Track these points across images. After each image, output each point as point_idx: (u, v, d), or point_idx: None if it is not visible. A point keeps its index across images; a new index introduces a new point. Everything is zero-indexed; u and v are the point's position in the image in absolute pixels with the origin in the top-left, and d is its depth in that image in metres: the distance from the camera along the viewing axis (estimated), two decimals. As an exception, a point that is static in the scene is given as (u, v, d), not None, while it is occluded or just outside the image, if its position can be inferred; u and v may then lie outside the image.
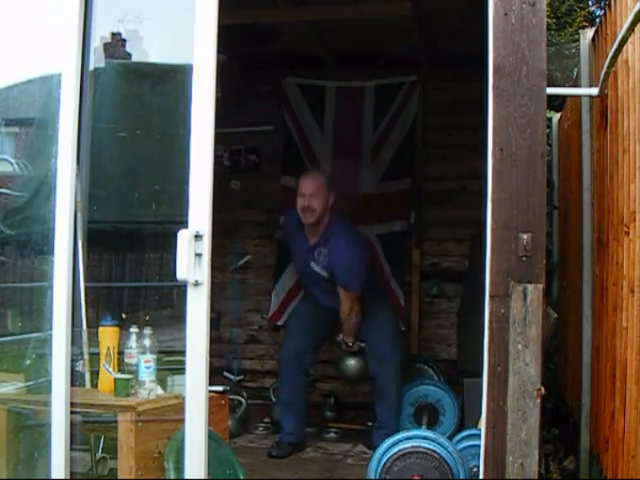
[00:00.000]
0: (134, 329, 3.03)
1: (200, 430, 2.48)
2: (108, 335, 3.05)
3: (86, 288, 3.05)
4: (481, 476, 2.47)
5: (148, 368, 2.97)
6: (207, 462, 2.50)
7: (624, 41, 2.57)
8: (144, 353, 2.98)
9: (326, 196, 4.12)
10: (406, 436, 3.33)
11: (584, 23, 7.78)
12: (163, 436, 2.83)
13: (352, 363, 4.51)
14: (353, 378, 4.64)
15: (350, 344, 4.33)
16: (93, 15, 2.83)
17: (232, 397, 4.51)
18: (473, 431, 3.41)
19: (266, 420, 4.80)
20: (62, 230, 2.72)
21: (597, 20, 4.50)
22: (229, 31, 3.06)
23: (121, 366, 3.03)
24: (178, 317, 2.56)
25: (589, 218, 3.74)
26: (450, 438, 3.52)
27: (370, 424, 4.39)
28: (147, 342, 2.99)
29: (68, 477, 2.69)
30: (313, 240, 4.21)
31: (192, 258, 2.44)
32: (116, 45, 3.99)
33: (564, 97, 4.97)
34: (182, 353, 2.51)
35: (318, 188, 4.11)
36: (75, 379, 2.88)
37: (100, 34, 3.28)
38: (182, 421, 2.50)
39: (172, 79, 3.14)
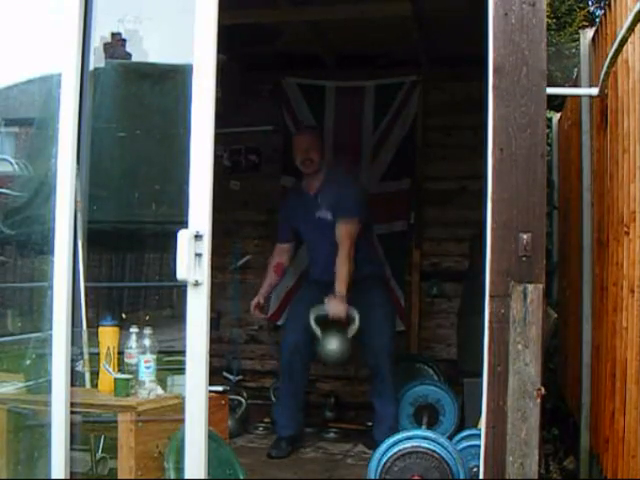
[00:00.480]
0: (134, 329, 3.03)
1: (200, 430, 2.48)
2: (108, 335, 3.05)
3: (86, 288, 3.05)
4: (481, 476, 2.47)
5: (148, 368, 2.97)
6: (207, 462, 2.49)
7: (624, 41, 2.57)
8: (144, 353, 2.98)
9: (321, 148, 4.41)
10: (406, 436, 3.33)
11: (584, 23, 7.77)
12: (163, 436, 2.83)
13: (333, 347, 4.22)
14: (335, 363, 4.39)
15: (342, 295, 4.08)
16: (93, 15, 2.83)
17: (232, 397, 4.51)
18: (473, 431, 3.41)
19: (266, 420, 4.80)
20: (62, 230, 2.72)
21: (597, 20, 4.50)
22: (229, 31, 3.06)
23: (121, 366, 3.03)
24: (178, 317, 2.56)
25: (589, 218, 3.74)
26: (450, 438, 3.52)
27: (370, 424, 4.39)
28: (147, 342, 2.99)
29: (68, 477, 2.69)
30: (314, 189, 4.35)
31: (192, 258, 2.44)
32: (116, 45, 3.99)
33: (564, 97, 4.96)
34: (182, 353, 2.50)
35: (313, 142, 4.37)
36: (75, 379, 2.88)
37: (100, 34, 3.28)
38: (182, 421, 2.50)
39: (172, 79, 3.15)
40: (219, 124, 2.54)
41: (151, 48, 3.71)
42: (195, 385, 2.48)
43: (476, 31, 2.76)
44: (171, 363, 2.99)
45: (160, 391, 3.00)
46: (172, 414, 2.85)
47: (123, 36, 4.03)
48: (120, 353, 3.03)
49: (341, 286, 4.11)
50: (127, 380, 2.94)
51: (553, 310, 3.79)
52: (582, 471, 3.79)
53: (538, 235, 2.45)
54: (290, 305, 4.85)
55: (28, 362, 3.06)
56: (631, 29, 2.47)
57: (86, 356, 3.09)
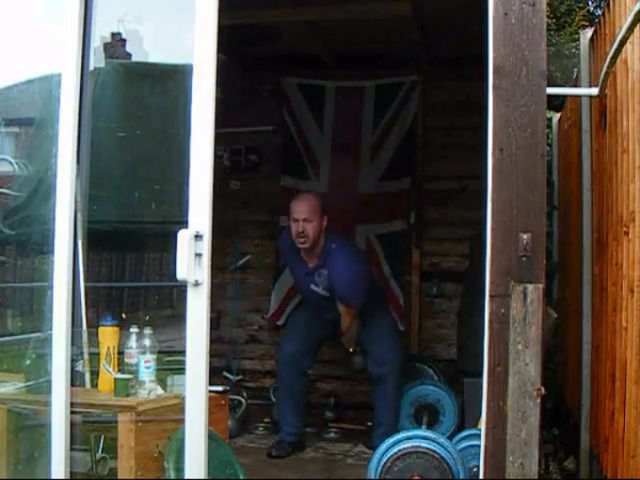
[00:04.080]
0: (134, 329, 3.03)
1: (200, 430, 2.48)
2: (108, 335, 3.05)
3: (86, 288, 3.05)
4: (481, 476, 2.47)
5: (148, 368, 2.97)
6: (207, 462, 2.50)
7: (623, 41, 2.57)
8: (144, 353, 2.99)
9: (320, 219, 4.04)
10: (406, 436, 3.33)
11: (583, 23, 7.77)
12: (163, 436, 2.83)
13: (357, 360, 4.53)
14: (359, 371, 4.64)
15: (351, 350, 4.40)
16: (93, 15, 2.83)
17: (232, 397, 4.51)
18: (473, 431, 3.40)
19: (266, 420, 4.80)
20: (62, 230, 2.72)
21: (596, 20, 4.51)
22: (229, 31, 3.05)
23: (121, 366, 3.03)
24: (178, 317, 2.56)
25: (589, 218, 3.74)
26: (450, 438, 3.52)
27: (370, 424, 4.39)
28: (147, 342, 2.99)
29: (68, 477, 2.69)
30: (312, 263, 4.15)
31: (192, 258, 2.44)
32: (116, 45, 3.99)
33: (564, 97, 4.96)
34: (182, 353, 2.51)
35: (311, 212, 4.02)
36: (75, 379, 2.88)
37: (100, 34, 3.28)
38: (182, 421, 2.50)
39: (172, 79, 3.15)
40: (219, 124, 2.54)
41: (151, 48, 3.71)
42: (195, 385, 2.48)
43: (476, 31, 2.76)
44: (171, 363, 2.99)
45: (160, 391, 3.00)
46: (172, 414, 2.85)
47: (123, 36, 4.03)
48: (120, 353, 3.04)
49: (350, 345, 4.37)
50: (127, 380, 2.94)
51: (553, 310, 3.79)
52: (582, 471, 3.79)
53: (538, 235, 2.45)
54: (291, 317, 4.83)
55: (28, 362, 3.06)
56: (630, 29, 2.47)
57: (86, 356, 3.09)
